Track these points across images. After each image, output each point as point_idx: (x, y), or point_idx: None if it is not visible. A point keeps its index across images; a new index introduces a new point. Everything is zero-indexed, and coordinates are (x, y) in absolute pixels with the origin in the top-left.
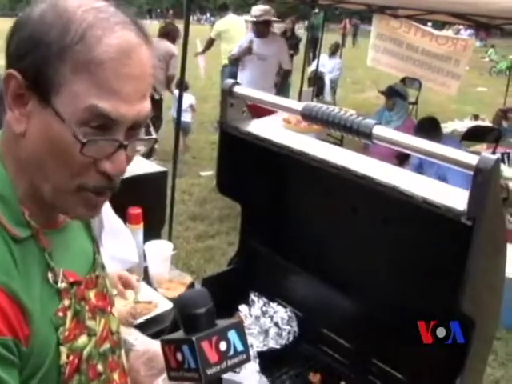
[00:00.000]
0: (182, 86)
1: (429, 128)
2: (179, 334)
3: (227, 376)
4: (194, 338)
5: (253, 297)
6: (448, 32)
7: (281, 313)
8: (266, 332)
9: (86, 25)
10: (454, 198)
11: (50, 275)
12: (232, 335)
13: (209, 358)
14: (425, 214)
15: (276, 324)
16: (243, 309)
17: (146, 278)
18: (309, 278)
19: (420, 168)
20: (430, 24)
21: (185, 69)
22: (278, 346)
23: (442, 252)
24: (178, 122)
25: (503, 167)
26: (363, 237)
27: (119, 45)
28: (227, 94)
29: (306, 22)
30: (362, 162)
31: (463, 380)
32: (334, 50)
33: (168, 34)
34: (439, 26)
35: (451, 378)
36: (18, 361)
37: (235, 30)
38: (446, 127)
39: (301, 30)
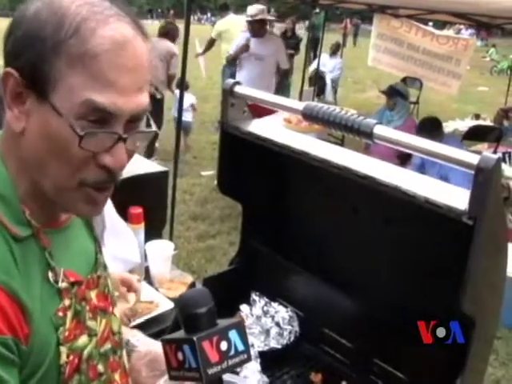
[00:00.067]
0: (183, 86)
1: (430, 128)
2: (180, 334)
3: (228, 377)
4: (194, 338)
5: (254, 296)
6: (449, 32)
7: (282, 312)
8: (267, 332)
9: (79, 18)
10: (456, 197)
11: (50, 275)
12: (233, 335)
13: (210, 357)
14: (426, 213)
15: (277, 324)
16: (244, 308)
17: (147, 277)
18: (310, 277)
19: (422, 168)
20: (430, 24)
21: (185, 68)
22: (279, 346)
23: (443, 252)
24: (179, 121)
25: (504, 167)
26: (364, 237)
27: (113, 37)
28: (228, 94)
29: (307, 22)
30: (363, 161)
31: (464, 380)
32: (335, 50)
33: (168, 33)
34: (440, 25)
35: (452, 377)
36: (17, 360)
37: (236, 29)
38: (447, 127)
39: (301, 30)
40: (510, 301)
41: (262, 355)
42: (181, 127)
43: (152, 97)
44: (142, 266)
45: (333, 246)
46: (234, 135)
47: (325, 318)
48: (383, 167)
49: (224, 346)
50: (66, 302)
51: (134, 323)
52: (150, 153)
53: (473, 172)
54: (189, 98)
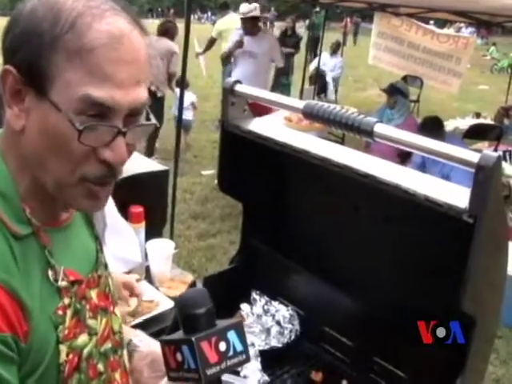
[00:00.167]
0: (183, 84)
1: (432, 127)
2: (179, 335)
3: (227, 378)
4: (193, 339)
5: (254, 295)
6: (449, 30)
7: (282, 311)
8: (267, 330)
9: (76, 13)
10: (456, 195)
11: (50, 273)
12: (231, 335)
13: (208, 358)
14: (426, 212)
15: (278, 322)
16: (245, 307)
17: (148, 276)
18: (310, 276)
19: (422, 167)
20: (431, 22)
21: (186, 67)
22: (280, 345)
23: (444, 250)
24: (179, 120)
25: (505, 165)
26: (365, 235)
27: (109, 30)
28: (228, 93)
29: (307, 21)
30: (363, 160)
31: (464, 379)
32: (336, 49)
33: (167, 31)
34: (440, 24)
35: (453, 376)
36: (17, 357)
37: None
38: (448, 125)
39: (301, 29)
40: (510, 299)
41: (263, 354)
42: (181, 126)
43: (153, 95)
44: (143, 265)
45: (333, 245)
46: (234, 134)
47: (325, 317)
48: (383, 166)
49: (223, 346)
50: (66, 300)
51: (134, 322)
52: (150, 152)
53: (473, 170)
54: (189, 97)
